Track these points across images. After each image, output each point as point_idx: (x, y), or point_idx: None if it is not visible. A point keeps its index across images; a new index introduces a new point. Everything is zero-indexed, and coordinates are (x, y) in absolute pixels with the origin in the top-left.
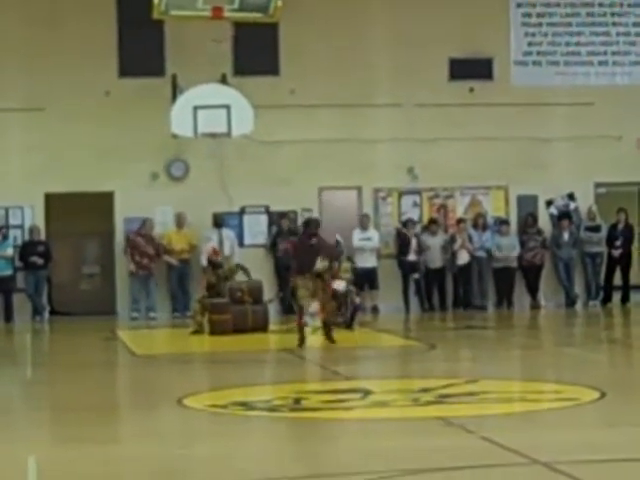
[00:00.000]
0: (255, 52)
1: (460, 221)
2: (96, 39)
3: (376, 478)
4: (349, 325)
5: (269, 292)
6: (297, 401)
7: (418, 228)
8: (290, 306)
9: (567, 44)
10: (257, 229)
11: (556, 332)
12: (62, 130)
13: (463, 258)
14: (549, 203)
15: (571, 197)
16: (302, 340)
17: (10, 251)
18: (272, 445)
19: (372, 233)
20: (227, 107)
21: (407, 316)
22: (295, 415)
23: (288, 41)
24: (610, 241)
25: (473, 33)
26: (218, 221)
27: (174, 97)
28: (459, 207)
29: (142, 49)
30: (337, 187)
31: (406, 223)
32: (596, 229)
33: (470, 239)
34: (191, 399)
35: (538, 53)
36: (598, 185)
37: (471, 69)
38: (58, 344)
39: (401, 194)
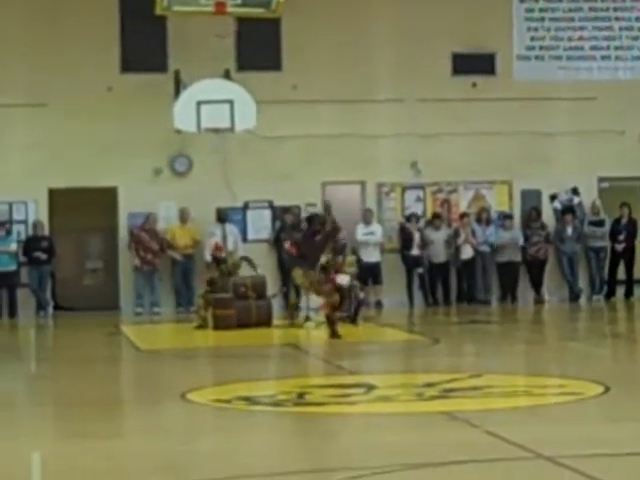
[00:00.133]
0: (258, 47)
1: (464, 216)
2: (98, 35)
3: (380, 472)
4: (353, 320)
5: (273, 287)
6: (301, 396)
7: (422, 223)
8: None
9: (570, 39)
10: (261, 224)
11: (560, 327)
12: (65, 126)
13: (467, 253)
14: (553, 197)
15: (575, 191)
16: (292, 316)
17: (14, 246)
18: (276, 440)
19: (375, 228)
20: (230, 102)
21: (411, 311)
22: (299, 410)
23: (290, 36)
24: (613, 235)
25: (476, 28)
26: (222, 216)
27: (177, 92)
28: (463, 202)
29: (145, 45)
30: (340, 182)
31: (409, 218)
32: (600, 223)
33: (474, 234)
34: (195, 394)
35: (541, 48)
36: (601, 180)
37: (474, 64)
38: (62, 339)
39: (404, 189)
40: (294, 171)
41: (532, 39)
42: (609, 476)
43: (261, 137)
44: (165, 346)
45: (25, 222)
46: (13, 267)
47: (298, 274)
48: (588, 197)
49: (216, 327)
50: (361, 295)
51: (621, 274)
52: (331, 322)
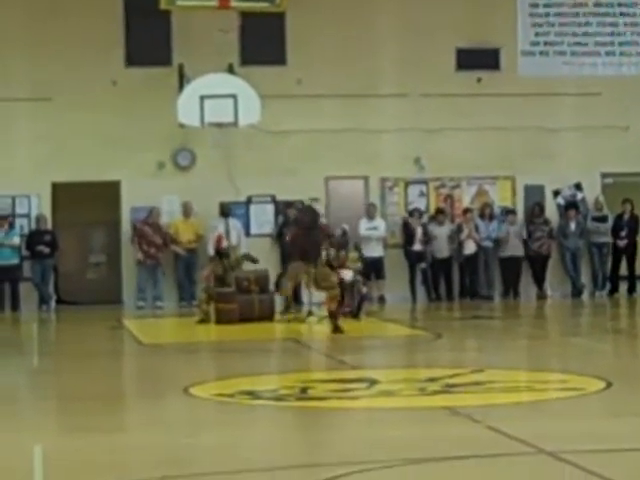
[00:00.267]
0: (262, 42)
1: (467, 211)
2: (103, 29)
3: (382, 467)
4: (356, 315)
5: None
6: (303, 390)
7: (425, 218)
8: (296, 295)
9: (574, 34)
10: (263, 219)
11: (562, 322)
12: (69, 120)
13: (470, 248)
14: (556, 193)
15: (578, 187)
16: (288, 307)
17: (17, 240)
18: (278, 434)
19: (379, 222)
20: (234, 97)
21: (414, 306)
22: (301, 404)
23: (295, 31)
24: (615, 231)
25: (480, 23)
26: (225, 211)
27: (181, 87)
28: (466, 197)
29: (149, 39)
30: (344, 177)
31: (412, 213)
32: (603, 219)
33: (477, 229)
34: (197, 388)
35: (545, 43)
36: (605, 175)
37: (478, 59)
38: (64, 333)
39: (408, 184)
40: (297, 166)
41: (537, 34)
42: (611, 471)
43: (265, 132)
44: (168, 340)
45: (28, 216)
46: (16, 261)
47: (295, 267)
48: (591, 193)
49: (219, 321)
50: (364, 290)
51: (623, 270)
52: (333, 317)
